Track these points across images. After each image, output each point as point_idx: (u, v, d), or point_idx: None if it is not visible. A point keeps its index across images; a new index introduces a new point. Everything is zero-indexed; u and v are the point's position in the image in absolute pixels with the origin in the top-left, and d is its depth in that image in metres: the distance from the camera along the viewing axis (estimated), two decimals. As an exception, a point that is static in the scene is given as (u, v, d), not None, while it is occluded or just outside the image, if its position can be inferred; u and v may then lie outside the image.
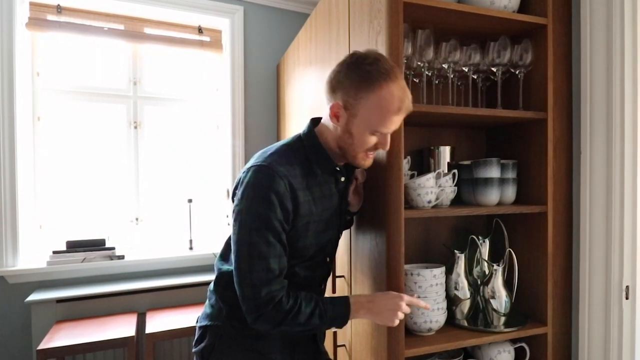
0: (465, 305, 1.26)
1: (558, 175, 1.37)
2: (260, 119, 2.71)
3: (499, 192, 1.26)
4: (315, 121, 1.10)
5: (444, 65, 1.23)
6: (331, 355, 1.36)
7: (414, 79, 1.26)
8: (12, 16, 2.12)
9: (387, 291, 1.06)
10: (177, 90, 2.63)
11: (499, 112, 1.22)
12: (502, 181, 1.27)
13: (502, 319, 1.24)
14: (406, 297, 1.02)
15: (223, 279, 1.08)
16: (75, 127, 2.40)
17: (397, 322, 1.01)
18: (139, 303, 2.25)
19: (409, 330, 1.19)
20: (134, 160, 2.52)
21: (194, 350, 1.10)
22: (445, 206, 1.22)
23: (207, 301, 1.14)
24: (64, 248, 2.25)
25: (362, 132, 0.98)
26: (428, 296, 1.17)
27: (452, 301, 1.26)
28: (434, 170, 1.22)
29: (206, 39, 2.64)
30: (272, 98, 2.74)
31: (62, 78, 2.36)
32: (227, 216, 2.67)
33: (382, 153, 1.12)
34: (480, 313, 1.29)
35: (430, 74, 1.25)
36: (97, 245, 2.31)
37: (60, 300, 2.09)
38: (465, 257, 1.28)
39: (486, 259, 1.33)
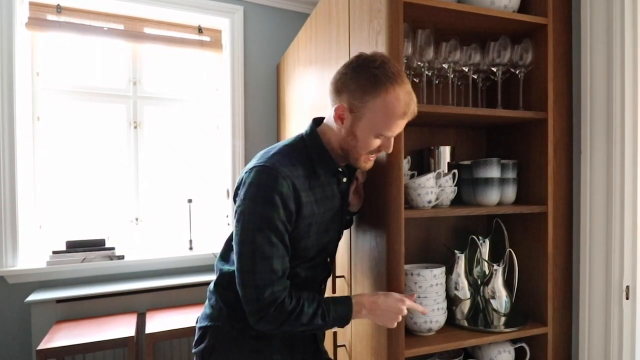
0: (466, 306, 1.26)
1: (558, 175, 1.37)
2: (260, 119, 2.71)
3: (499, 192, 1.26)
4: (317, 121, 1.10)
5: (444, 65, 1.23)
6: (331, 356, 1.36)
7: (414, 79, 1.26)
8: (12, 16, 2.12)
9: (389, 292, 1.06)
10: (177, 90, 2.63)
11: (499, 112, 1.22)
12: (502, 181, 1.27)
13: (502, 319, 1.24)
14: (407, 302, 1.03)
15: (224, 279, 1.07)
16: (75, 127, 2.40)
17: (396, 324, 1.02)
18: (139, 303, 2.25)
19: (409, 331, 1.19)
20: (133, 160, 2.52)
21: (194, 351, 1.09)
22: (445, 206, 1.22)
23: (207, 301, 1.13)
24: (63, 248, 2.25)
25: (366, 135, 0.98)
26: (428, 296, 1.17)
27: (452, 301, 1.26)
28: (434, 170, 1.22)
29: (206, 38, 2.64)
30: (272, 98, 2.74)
31: (61, 78, 2.36)
32: (227, 216, 2.67)
33: (382, 153, 1.11)
34: (480, 313, 1.29)
35: (430, 73, 1.25)
36: (97, 245, 2.31)
37: (60, 301, 2.09)
38: (465, 257, 1.28)
39: (486, 259, 1.33)
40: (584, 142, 1.34)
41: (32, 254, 2.26)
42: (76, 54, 2.40)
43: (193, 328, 1.18)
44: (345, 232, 1.36)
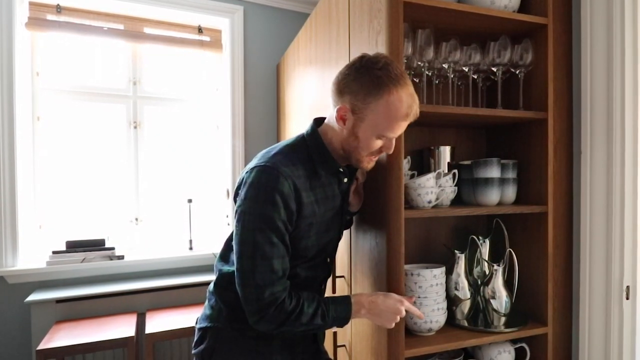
0: (466, 306, 1.26)
1: (558, 175, 1.36)
2: (260, 119, 2.71)
3: (499, 192, 1.26)
4: (318, 121, 1.10)
5: (444, 65, 1.23)
6: (331, 356, 1.35)
7: (414, 79, 1.26)
8: (12, 16, 2.12)
9: (388, 293, 1.06)
10: (177, 90, 2.63)
11: (499, 112, 1.22)
12: (502, 181, 1.27)
13: (503, 319, 1.24)
14: (406, 303, 1.03)
15: (224, 279, 1.07)
16: (75, 127, 2.40)
17: (394, 325, 1.03)
18: (139, 303, 2.25)
19: (409, 331, 1.19)
20: (133, 160, 2.52)
21: (194, 352, 1.09)
22: (445, 206, 1.22)
23: (207, 302, 1.13)
24: (63, 248, 2.25)
25: (368, 136, 0.98)
26: (428, 296, 1.17)
27: (452, 301, 1.26)
28: (434, 170, 1.22)
29: (206, 38, 2.64)
30: (272, 98, 2.74)
31: (61, 78, 2.36)
32: (227, 216, 2.67)
33: (382, 153, 1.11)
34: (480, 313, 1.29)
35: (430, 73, 1.25)
36: (96, 245, 2.31)
37: (59, 301, 2.09)
38: (465, 257, 1.28)
39: (486, 259, 1.33)
40: (584, 142, 1.34)
41: (32, 254, 2.26)
42: (76, 54, 2.40)
43: (193, 328, 1.17)
44: (345, 232, 1.36)
